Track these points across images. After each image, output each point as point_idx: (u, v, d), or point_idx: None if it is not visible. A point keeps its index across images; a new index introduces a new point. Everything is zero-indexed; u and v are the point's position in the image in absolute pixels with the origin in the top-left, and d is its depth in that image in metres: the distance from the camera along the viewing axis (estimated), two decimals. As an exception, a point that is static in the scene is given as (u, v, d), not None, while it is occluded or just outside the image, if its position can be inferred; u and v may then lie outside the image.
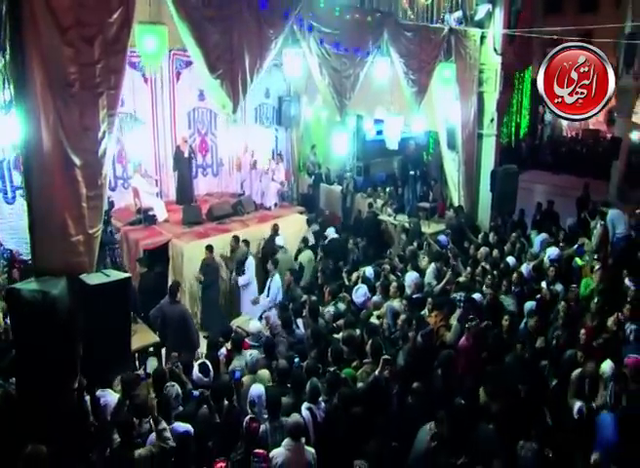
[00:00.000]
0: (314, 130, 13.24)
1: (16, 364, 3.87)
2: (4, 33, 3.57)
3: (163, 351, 6.27)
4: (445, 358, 4.92)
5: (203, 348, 6.14)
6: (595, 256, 7.61)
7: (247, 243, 8.02)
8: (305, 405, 4.41)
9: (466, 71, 9.23)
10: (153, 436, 3.92)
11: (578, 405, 4.47)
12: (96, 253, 4.06)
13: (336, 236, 9.38)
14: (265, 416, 4.34)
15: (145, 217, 8.87)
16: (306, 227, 9.84)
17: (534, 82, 22.91)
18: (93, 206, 3.94)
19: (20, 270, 6.72)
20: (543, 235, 8.76)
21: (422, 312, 6.08)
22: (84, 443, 4.03)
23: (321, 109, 12.07)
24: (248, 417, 4.14)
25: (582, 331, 5.43)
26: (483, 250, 8.02)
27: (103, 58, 3.91)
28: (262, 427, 4.14)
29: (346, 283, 7.28)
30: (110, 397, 4.41)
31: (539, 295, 6.56)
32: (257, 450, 3.83)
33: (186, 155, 9.80)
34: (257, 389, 4.46)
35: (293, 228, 9.59)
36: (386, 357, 4.79)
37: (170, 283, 7.29)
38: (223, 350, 5.39)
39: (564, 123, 30.25)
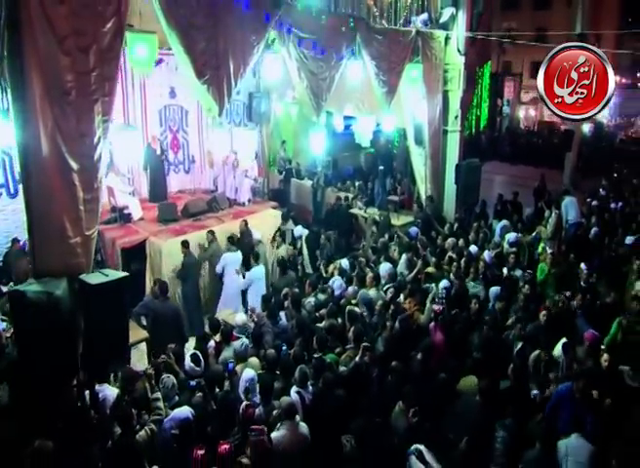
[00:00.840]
0: (284, 126, 13.46)
1: (19, 363, 4.01)
2: (2, 42, 3.67)
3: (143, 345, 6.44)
4: (425, 345, 5.35)
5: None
6: (549, 245, 8.26)
7: (232, 239, 8.23)
8: (294, 389, 4.75)
9: (432, 71, 9.72)
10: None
11: (533, 392, 4.95)
12: (92, 253, 4.24)
13: (306, 232, 9.68)
14: (257, 400, 4.67)
15: (121, 216, 8.90)
16: (280, 222, 10.10)
17: (492, 76, 23.79)
18: (89, 209, 4.12)
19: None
20: (504, 221, 9.38)
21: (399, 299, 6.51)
22: (86, 436, 4.22)
23: (291, 105, 12.30)
24: (244, 404, 4.43)
25: (542, 312, 5.98)
26: (450, 240, 8.54)
27: (98, 66, 4.07)
28: (257, 411, 4.46)
29: (324, 275, 7.63)
30: (108, 391, 4.62)
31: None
32: (253, 426, 4.12)
33: (158, 152, 9.86)
34: (248, 373, 4.78)
35: (268, 223, 9.82)
36: (366, 344, 5.17)
37: (151, 280, 7.45)
38: (212, 343, 5.66)
39: (521, 115, 31.56)
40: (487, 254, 7.94)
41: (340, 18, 7.61)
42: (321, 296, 6.64)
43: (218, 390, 4.79)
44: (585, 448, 4.00)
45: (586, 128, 25.42)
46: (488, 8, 11.23)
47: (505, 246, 8.22)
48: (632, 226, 9.71)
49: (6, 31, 3.64)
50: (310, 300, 6.53)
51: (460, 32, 9.81)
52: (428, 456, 3.97)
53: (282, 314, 6.28)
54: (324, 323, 5.80)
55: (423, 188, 10.67)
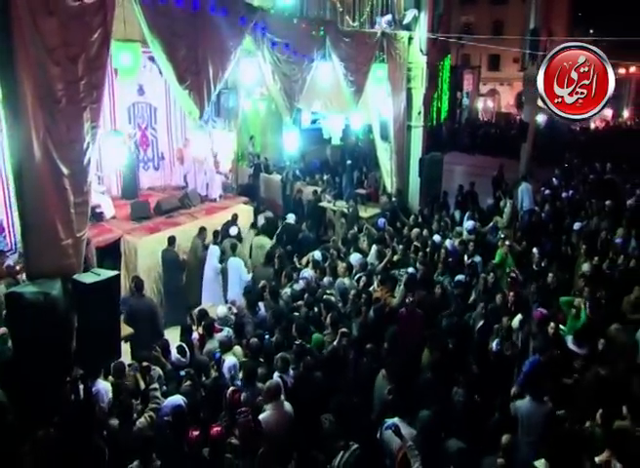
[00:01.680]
0: (252, 121, 13.66)
1: (15, 363, 4.20)
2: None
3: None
4: (391, 333, 5.81)
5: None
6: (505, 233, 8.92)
7: (215, 233, 8.45)
8: (276, 373, 5.12)
9: (397, 70, 10.22)
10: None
11: (494, 343, 5.55)
12: (83, 254, 4.45)
13: (292, 222, 9.96)
14: (239, 383, 5.01)
15: (93, 215, 8.93)
16: (253, 216, 10.37)
17: (452, 69, 24.41)
18: (80, 211, 4.32)
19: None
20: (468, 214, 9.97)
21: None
22: (83, 427, 4.46)
23: (259, 101, 12.51)
24: (231, 389, 4.76)
25: (499, 295, 6.56)
26: (415, 230, 9.06)
27: (86, 74, 4.24)
28: (243, 396, 4.80)
29: (298, 266, 8.00)
30: (101, 385, 4.88)
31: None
32: (240, 409, 4.47)
33: (131, 150, 9.93)
34: (230, 360, 5.20)
35: (241, 218, 10.06)
36: (344, 329, 5.58)
37: (126, 278, 7.61)
38: (195, 334, 5.95)
39: (479, 106, 32.61)
40: (449, 243, 8.49)
41: (311, 21, 7.95)
42: (297, 287, 7.00)
43: (205, 378, 5.11)
44: (537, 409, 4.54)
45: (541, 118, 26.56)
46: (448, 8, 11.77)
47: (465, 233, 8.81)
48: (581, 213, 10.48)
49: (-1, 44, 3.78)
50: (287, 291, 6.89)
51: (422, 33, 10.34)
52: (404, 430, 4.40)
53: (261, 305, 6.62)
54: (302, 311, 6.18)
55: (389, 181, 11.17)
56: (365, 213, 11.04)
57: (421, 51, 10.56)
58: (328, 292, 6.82)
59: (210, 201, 10.59)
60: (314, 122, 13.45)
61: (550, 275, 7.14)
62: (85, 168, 4.29)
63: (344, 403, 4.78)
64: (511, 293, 6.49)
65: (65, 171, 4.11)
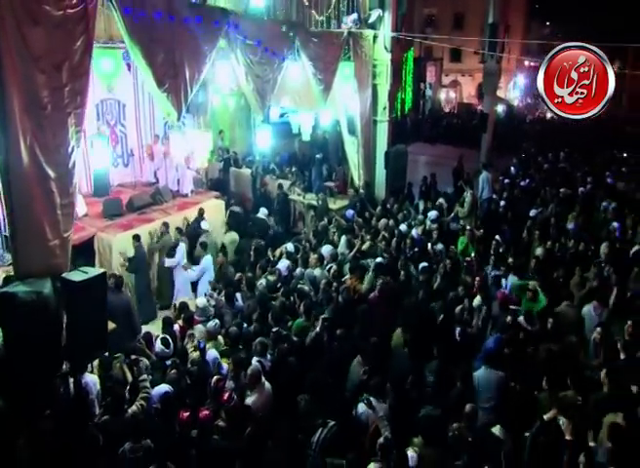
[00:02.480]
0: (220, 116, 13.78)
1: (8, 360, 4.39)
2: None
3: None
4: (362, 311, 6.23)
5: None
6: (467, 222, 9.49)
7: (180, 230, 8.63)
8: (255, 358, 5.46)
9: (363, 68, 10.66)
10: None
11: (457, 330, 6.07)
12: (69, 254, 4.66)
13: (263, 216, 10.23)
14: (225, 372, 5.34)
15: (65, 213, 9.02)
16: (225, 211, 10.60)
17: (416, 61, 24.90)
18: (65, 212, 4.53)
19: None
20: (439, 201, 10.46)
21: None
22: (76, 418, 4.70)
23: (228, 96, 12.65)
24: (215, 377, 5.08)
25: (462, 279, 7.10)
26: (382, 221, 9.52)
27: (70, 81, 4.42)
28: (227, 383, 5.13)
29: (271, 258, 8.33)
30: (89, 377, 5.13)
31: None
32: (225, 394, 4.80)
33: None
34: (211, 353, 5.54)
35: (213, 213, 10.24)
36: (324, 316, 5.96)
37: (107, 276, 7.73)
38: (176, 326, 6.23)
39: (442, 97, 33.38)
40: (414, 232, 8.98)
41: (281, 23, 8.26)
42: (271, 278, 7.35)
43: (190, 366, 5.42)
44: (493, 376, 5.05)
45: (500, 108, 27.49)
46: (411, 3, 12.21)
47: (428, 223, 9.34)
48: (537, 201, 11.15)
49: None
50: (262, 282, 7.23)
51: (386, 32, 10.78)
52: (375, 404, 4.83)
53: (238, 296, 6.93)
54: (278, 301, 6.54)
55: (357, 174, 11.60)
56: (334, 205, 11.42)
57: (386, 48, 10.99)
58: (301, 281, 7.20)
59: (181, 196, 10.68)
60: (282, 116, 13.69)
61: (510, 260, 7.73)
62: (70, 170, 4.49)
63: (318, 381, 5.13)
64: (477, 278, 7.03)
65: (52, 174, 4.30)
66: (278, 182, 12.31)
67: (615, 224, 9.20)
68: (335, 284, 6.83)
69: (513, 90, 38.38)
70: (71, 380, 4.83)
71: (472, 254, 8.36)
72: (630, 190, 12.09)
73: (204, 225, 9.18)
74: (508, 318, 6.10)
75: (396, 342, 5.87)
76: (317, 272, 7.49)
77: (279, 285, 7.11)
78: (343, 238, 8.60)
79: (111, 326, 6.72)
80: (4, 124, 4.07)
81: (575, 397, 4.68)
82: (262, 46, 7.42)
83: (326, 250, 8.13)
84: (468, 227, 8.99)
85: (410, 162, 13.58)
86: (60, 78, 4.35)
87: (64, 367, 4.83)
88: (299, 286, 6.93)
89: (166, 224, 8.71)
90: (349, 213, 10.19)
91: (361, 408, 4.85)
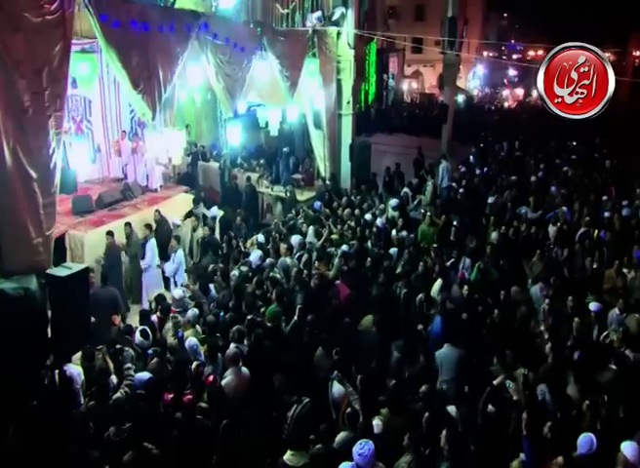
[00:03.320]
0: (187, 110, 13.85)
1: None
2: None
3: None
4: (330, 297, 6.65)
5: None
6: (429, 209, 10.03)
7: (149, 226, 8.72)
8: (233, 344, 5.79)
9: (327, 64, 11.07)
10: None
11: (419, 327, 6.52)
12: (52, 251, 4.87)
13: (221, 213, 10.46)
14: (203, 359, 5.67)
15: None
16: (193, 206, 10.75)
17: (378, 52, 25.25)
18: (48, 212, 4.73)
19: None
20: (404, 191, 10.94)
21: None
22: (64, 406, 4.94)
23: (194, 91, 12.74)
24: (195, 363, 5.38)
25: (421, 264, 7.61)
26: (347, 210, 9.95)
27: (50, 85, 4.60)
28: (206, 368, 5.45)
29: (243, 249, 8.64)
30: (73, 369, 5.34)
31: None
32: (206, 378, 5.13)
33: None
34: (190, 341, 5.80)
35: (182, 207, 10.39)
36: (300, 306, 6.29)
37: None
38: (154, 317, 6.49)
39: (404, 88, 33.98)
40: (379, 221, 9.45)
41: (250, 22, 8.49)
42: (244, 268, 7.68)
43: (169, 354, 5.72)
44: (454, 354, 5.56)
45: (460, 98, 28.23)
46: (372, 1, 12.63)
47: (390, 211, 9.83)
48: (493, 188, 11.79)
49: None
50: (235, 273, 7.55)
51: (349, 29, 11.17)
52: (346, 380, 5.24)
53: (211, 286, 7.24)
54: (250, 289, 6.88)
55: (323, 166, 12.00)
56: (301, 196, 11.81)
57: (349, 45, 11.40)
58: (275, 270, 7.57)
59: (151, 191, 10.81)
60: (249, 109, 13.86)
61: (471, 245, 8.31)
62: (52, 171, 4.69)
63: (291, 361, 5.50)
64: (436, 264, 7.54)
65: (34, 175, 4.50)
66: (246, 175, 12.54)
67: (564, 209, 9.92)
68: (305, 271, 7.21)
69: (472, 79, 39.38)
70: (56, 372, 5.05)
71: (433, 239, 8.91)
72: (578, 176, 12.90)
73: (175, 220, 9.36)
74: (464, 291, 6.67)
75: (365, 324, 6.30)
76: (289, 261, 7.86)
77: (251, 274, 7.45)
78: (311, 228, 8.99)
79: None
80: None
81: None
82: (231, 42, 7.68)
83: (295, 239, 8.49)
84: (429, 214, 9.52)
85: (374, 152, 14.03)
86: (41, 82, 4.51)
87: (49, 359, 5.04)
88: (271, 274, 7.29)
89: (129, 224, 8.66)
90: (317, 204, 10.57)
91: (335, 385, 5.25)
